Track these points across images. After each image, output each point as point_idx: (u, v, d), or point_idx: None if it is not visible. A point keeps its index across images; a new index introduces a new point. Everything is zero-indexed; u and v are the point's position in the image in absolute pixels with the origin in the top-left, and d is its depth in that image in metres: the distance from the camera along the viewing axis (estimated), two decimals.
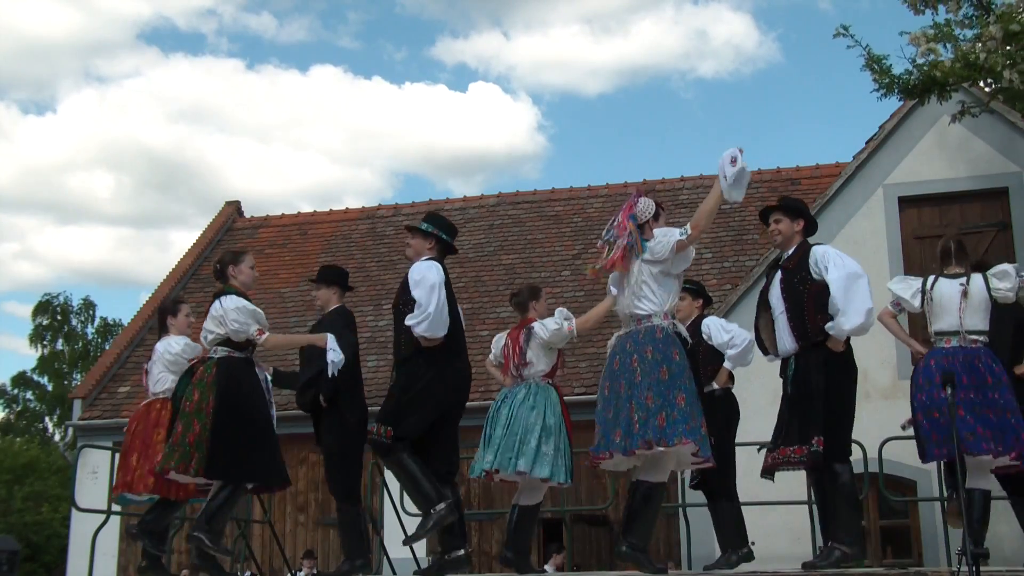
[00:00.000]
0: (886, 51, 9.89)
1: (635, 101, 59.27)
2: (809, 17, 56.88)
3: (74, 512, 13.69)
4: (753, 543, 6.65)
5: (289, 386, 7.26)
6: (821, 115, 55.61)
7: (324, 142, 56.11)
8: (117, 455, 7.12)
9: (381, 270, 16.44)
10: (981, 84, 10.19)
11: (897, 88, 9.67)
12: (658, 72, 57.19)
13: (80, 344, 34.43)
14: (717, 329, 6.78)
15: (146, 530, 6.43)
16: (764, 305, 5.92)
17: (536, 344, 6.36)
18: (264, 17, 58.53)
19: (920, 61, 9.37)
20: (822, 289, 5.54)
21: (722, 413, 6.66)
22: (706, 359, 6.76)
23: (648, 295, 5.19)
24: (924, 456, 5.93)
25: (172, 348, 6.68)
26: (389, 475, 9.60)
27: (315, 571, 12.31)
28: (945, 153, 11.63)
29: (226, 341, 5.97)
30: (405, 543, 5.92)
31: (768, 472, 5.74)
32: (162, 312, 7.05)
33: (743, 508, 6.76)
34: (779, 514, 9.12)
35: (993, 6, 9.54)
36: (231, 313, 5.90)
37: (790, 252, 5.82)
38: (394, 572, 8.06)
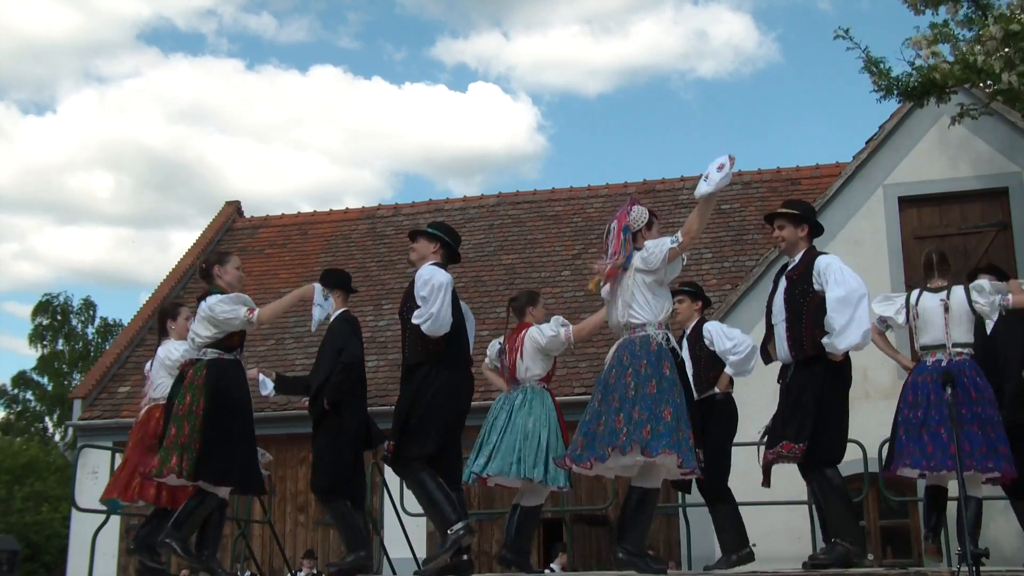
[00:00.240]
0: (886, 51, 9.96)
1: (635, 101, 59.32)
2: (809, 17, 56.92)
3: (74, 512, 13.69)
4: (754, 544, 6.64)
5: (293, 392, 7.26)
6: (821, 115, 55.66)
7: (324, 142, 56.17)
8: (117, 455, 7.13)
9: (381, 270, 16.44)
10: (981, 85, 10.20)
11: (896, 90, 9.70)
12: (658, 72, 57.25)
13: (80, 344, 34.43)
14: (719, 335, 6.77)
15: (143, 545, 6.44)
16: (769, 314, 5.93)
17: (532, 349, 6.38)
18: (264, 17, 58.59)
19: (920, 63, 9.39)
20: (823, 302, 5.56)
21: (722, 417, 6.66)
22: (708, 364, 6.76)
23: (641, 304, 5.19)
24: (889, 467, 6.11)
25: (172, 355, 6.67)
26: (389, 475, 9.60)
27: (315, 571, 12.31)
28: (945, 153, 11.63)
29: (215, 343, 5.94)
30: (418, 575, 5.91)
31: (766, 474, 5.79)
32: (162, 315, 7.05)
33: (744, 508, 6.76)
34: (779, 514, 9.11)
35: (991, 8, 9.56)
36: (217, 306, 5.87)
37: (796, 260, 5.83)
38: (394, 572, 8.06)
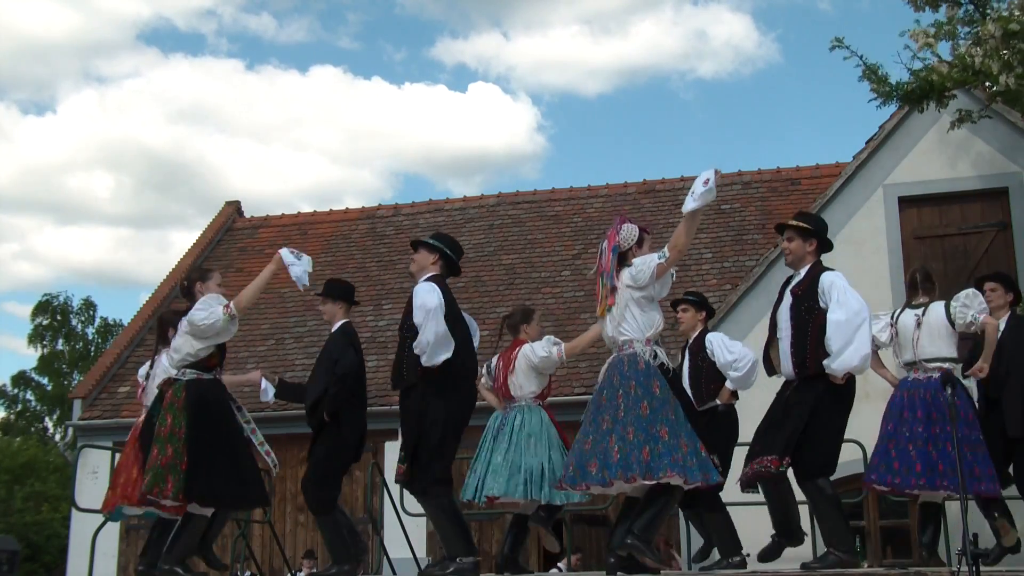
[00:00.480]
0: (886, 52, 9.97)
1: (635, 101, 59.31)
2: (809, 18, 56.92)
3: (74, 512, 13.69)
4: (748, 554, 6.65)
5: (294, 399, 7.26)
6: (821, 115, 55.67)
7: (324, 142, 56.17)
8: (117, 455, 7.12)
9: (381, 270, 16.43)
10: (980, 87, 10.20)
11: (896, 96, 9.70)
12: (657, 72, 57.24)
13: (80, 344, 34.42)
14: (720, 347, 6.75)
15: (151, 563, 6.39)
16: (774, 327, 5.92)
17: (526, 367, 6.39)
18: (264, 18, 58.59)
19: (918, 64, 9.40)
20: (826, 319, 5.56)
21: (723, 430, 6.66)
22: (709, 376, 6.75)
23: (630, 321, 5.18)
24: (865, 479, 6.29)
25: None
26: (389, 475, 9.58)
27: (315, 571, 12.30)
28: (945, 153, 11.63)
29: (194, 364, 5.92)
30: None
31: (748, 484, 5.82)
32: (162, 324, 6.98)
33: (744, 509, 6.76)
34: None
35: (990, 8, 9.57)
36: (194, 316, 5.84)
37: (801, 276, 5.81)
38: (394, 572, 8.06)
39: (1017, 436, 6.61)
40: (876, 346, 6.25)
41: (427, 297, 5.73)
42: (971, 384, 6.56)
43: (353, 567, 6.36)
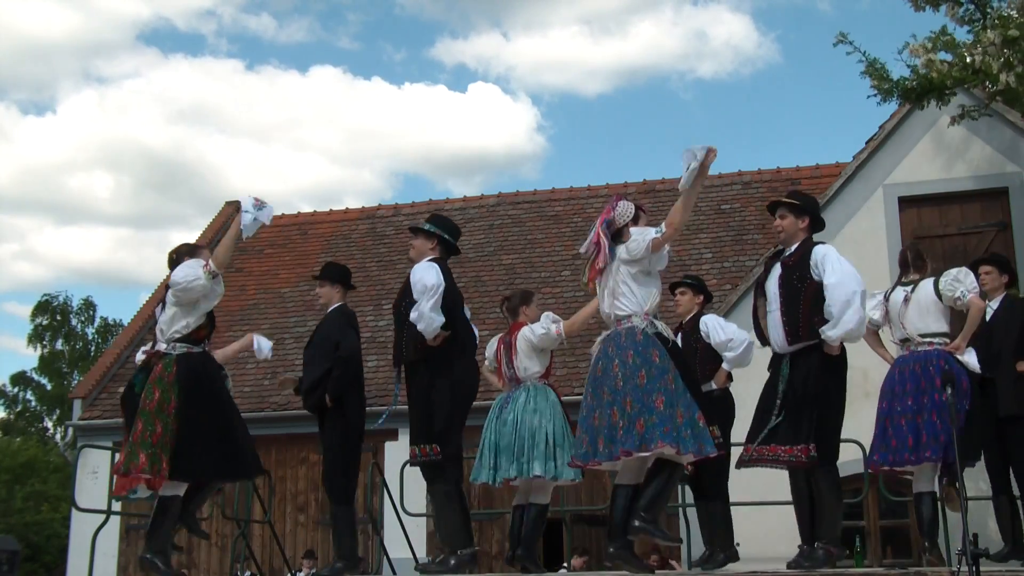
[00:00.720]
0: (886, 51, 10.00)
1: (634, 102, 59.32)
2: (808, 18, 56.94)
3: (74, 512, 13.68)
4: (738, 544, 6.67)
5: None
6: (821, 115, 55.67)
7: (324, 142, 56.17)
8: (117, 455, 7.10)
9: (381, 270, 16.43)
10: (980, 86, 10.21)
11: (896, 93, 9.72)
12: (657, 73, 57.25)
13: (80, 344, 34.43)
14: (715, 328, 6.75)
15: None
16: (760, 293, 5.91)
17: (527, 347, 6.41)
18: (263, 18, 58.59)
19: (921, 72, 9.42)
20: (819, 289, 5.52)
21: (719, 414, 6.64)
22: (704, 358, 6.74)
23: (627, 295, 5.13)
24: (870, 461, 6.32)
25: None
26: (389, 475, 9.59)
27: (315, 571, 12.30)
28: (945, 153, 11.63)
29: (183, 337, 5.80)
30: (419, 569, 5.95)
31: (746, 464, 5.79)
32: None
33: (743, 508, 6.77)
34: (776, 514, 9.08)
35: (990, 10, 9.58)
36: (176, 278, 5.69)
37: (792, 249, 5.78)
38: (394, 572, 8.07)
39: (1009, 415, 6.65)
40: (871, 325, 6.25)
41: (425, 274, 5.84)
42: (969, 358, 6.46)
43: (352, 565, 6.36)
